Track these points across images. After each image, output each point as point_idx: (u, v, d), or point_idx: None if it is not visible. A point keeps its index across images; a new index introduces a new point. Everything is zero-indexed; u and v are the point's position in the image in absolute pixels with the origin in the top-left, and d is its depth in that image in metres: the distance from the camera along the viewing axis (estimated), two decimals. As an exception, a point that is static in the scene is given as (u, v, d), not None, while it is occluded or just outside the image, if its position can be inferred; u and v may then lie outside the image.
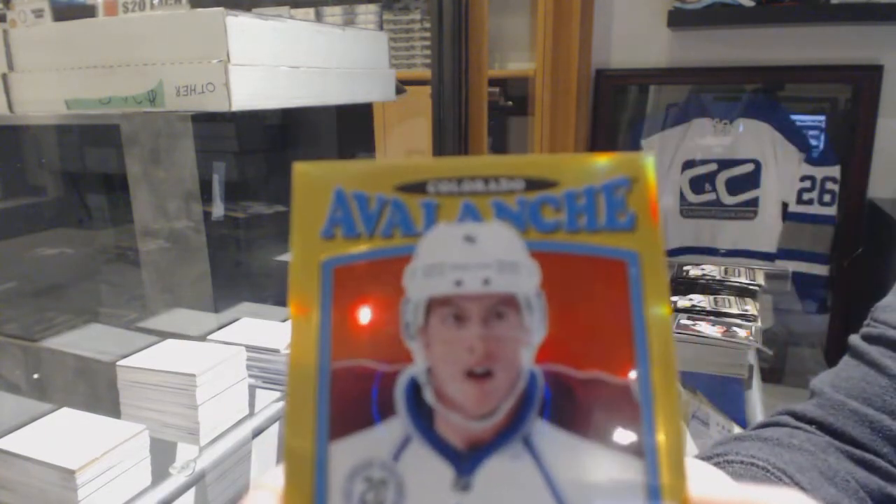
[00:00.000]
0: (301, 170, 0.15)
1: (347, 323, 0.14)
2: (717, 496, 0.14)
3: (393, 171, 0.15)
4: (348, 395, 0.13)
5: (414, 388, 0.13)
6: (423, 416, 0.13)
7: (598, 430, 0.13)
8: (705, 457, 0.37)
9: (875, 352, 0.41)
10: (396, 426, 0.13)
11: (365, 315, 0.14)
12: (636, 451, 0.13)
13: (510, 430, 0.13)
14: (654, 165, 0.14)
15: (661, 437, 0.13)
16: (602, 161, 0.14)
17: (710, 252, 2.00)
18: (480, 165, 0.14)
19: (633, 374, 0.13)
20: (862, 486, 0.36)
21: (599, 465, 0.12)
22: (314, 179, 0.15)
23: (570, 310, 0.14)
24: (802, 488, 0.32)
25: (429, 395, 0.13)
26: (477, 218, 0.14)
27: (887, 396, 0.39)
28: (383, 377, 0.13)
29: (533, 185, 0.14)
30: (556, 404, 0.13)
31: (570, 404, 0.13)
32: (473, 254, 0.14)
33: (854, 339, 0.44)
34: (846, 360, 0.44)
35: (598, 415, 0.13)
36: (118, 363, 0.82)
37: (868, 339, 0.43)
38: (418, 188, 0.14)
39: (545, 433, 0.13)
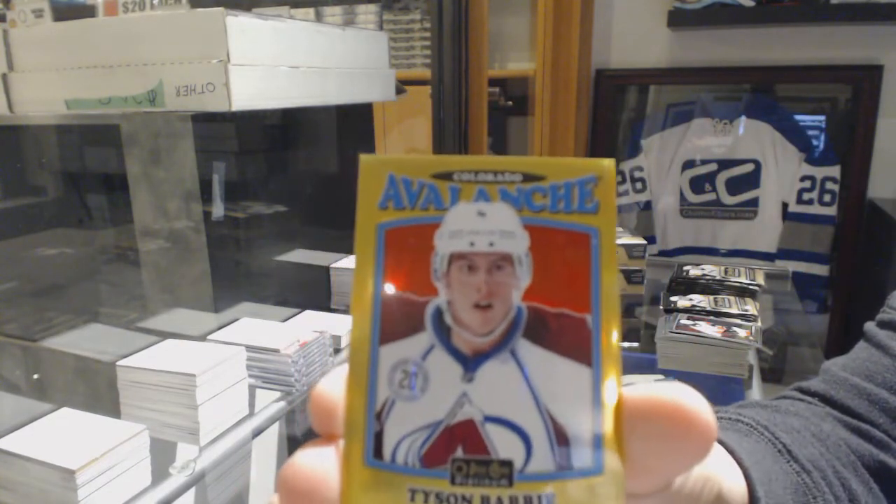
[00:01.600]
0: (365, 159, 0.20)
1: (394, 267, 0.20)
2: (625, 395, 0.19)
3: (430, 164, 0.20)
4: (393, 316, 0.19)
5: (438, 313, 0.19)
6: (443, 332, 0.19)
7: (562, 347, 0.19)
8: None
9: (883, 335, 0.44)
10: (425, 338, 0.19)
11: (406, 262, 0.20)
12: (587, 361, 0.19)
13: (502, 344, 0.19)
14: (614, 167, 0.20)
15: (603, 354, 0.19)
16: (578, 163, 0.20)
17: (710, 252, 2.01)
18: (492, 162, 0.20)
19: (588, 311, 0.19)
20: (853, 450, 0.38)
21: (561, 369, 0.19)
22: (374, 167, 0.20)
23: (548, 266, 0.20)
24: (783, 443, 0.33)
25: (448, 318, 0.19)
26: (487, 199, 0.20)
27: (888, 374, 0.41)
28: (418, 304, 0.19)
29: (528, 178, 0.20)
30: (534, 328, 0.19)
31: (544, 329, 0.19)
32: (483, 224, 0.20)
33: (868, 325, 0.46)
34: (859, 344, 0.46)
35: (562, 337, 0.19)
36: (118, 363, 0.82)
37: (881, 324, 0.45)
38: (447, 176, 0.20)
39: (525, 347, 0.19)
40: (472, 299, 0.19)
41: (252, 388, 0.89)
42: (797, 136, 1.88)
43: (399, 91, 1.12)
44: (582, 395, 0.18)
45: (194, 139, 0.88)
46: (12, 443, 0.70)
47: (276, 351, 0.89)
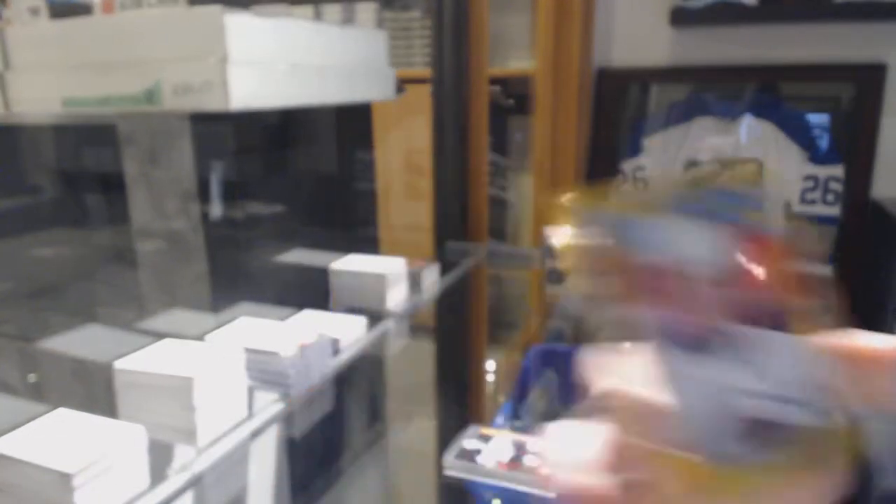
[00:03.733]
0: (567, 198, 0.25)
1: None
2: None
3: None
4: None
5: None
6: None
7: None
8: None
9: None
10: None
11: None
12: None
13: None
14: None
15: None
16: None
17: (713, 252, 1.99)
18: None
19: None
20: None
21: None
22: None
23: None
24: None
25: None
26: None
27: None
28: None
29: None
30: None
31: None
32: None
33: None
34: None
35: None
36: (115, 364, 0.81)
37: None
38: None
39: None
40: None
41: (251, 390, 0.89)
42: (800, 136, 1.87)
43: (399, 90, 1.11)
44: None
45: (192, 139, 0.88)
46: (7, 445, 0.69)
47: (274, 353, 0.88)
